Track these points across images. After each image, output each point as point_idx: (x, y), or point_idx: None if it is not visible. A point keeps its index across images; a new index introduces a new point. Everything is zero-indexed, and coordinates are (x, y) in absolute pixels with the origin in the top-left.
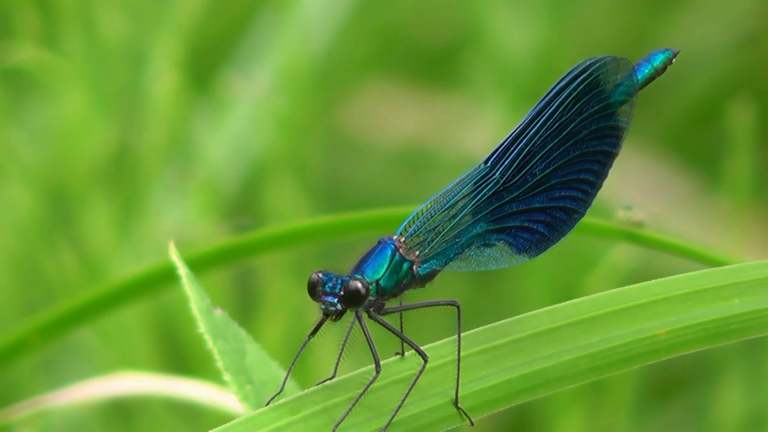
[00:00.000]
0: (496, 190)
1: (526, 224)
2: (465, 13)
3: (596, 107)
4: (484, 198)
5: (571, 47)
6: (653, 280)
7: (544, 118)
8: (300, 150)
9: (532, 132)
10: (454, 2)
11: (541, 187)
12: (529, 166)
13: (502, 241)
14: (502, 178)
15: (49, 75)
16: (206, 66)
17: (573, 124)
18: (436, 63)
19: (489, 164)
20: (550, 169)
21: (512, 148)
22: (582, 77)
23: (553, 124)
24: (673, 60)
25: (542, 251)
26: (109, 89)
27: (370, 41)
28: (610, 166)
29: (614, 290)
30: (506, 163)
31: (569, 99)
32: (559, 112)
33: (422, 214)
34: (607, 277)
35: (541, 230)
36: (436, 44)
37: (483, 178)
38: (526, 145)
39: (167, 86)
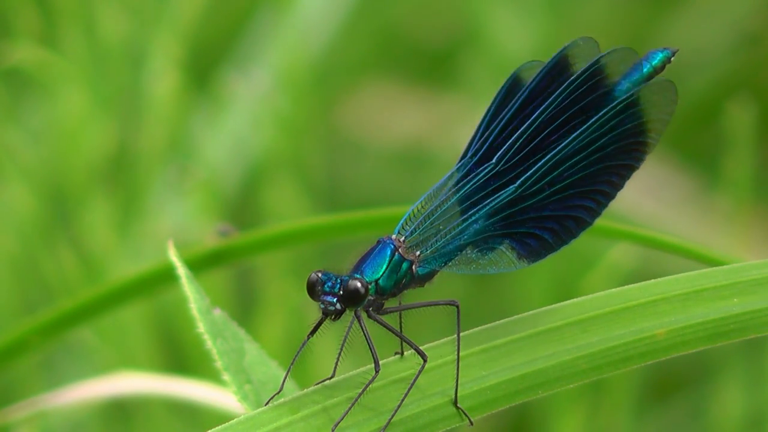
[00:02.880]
0: (512, 199)
1: (533, 231)
2: (464, 13)
3: (630, 124)
4: (497, 205)
5: None
6: (652, 280)
7: (575, 134)
8: (300, 150)
9: (560, 146)
10: (454, 2)
11: (558, 195)
12: (549, 177)
13: (505, 246)
14: (520, 188)
15: (48, 75)
16: (206, 66)
17: (604, 140)
18: (435, 63)
19: (495, 160)
20: (570, 180)
21: (534, 158)
22: (629, 110)
23: (584, 140)
24: (672, 59)
25: (542, 258)
26: (109, 89)
27: (370, 41)
28: (629, 178)
29: (613, 290)
30: (527, 174)
31: (605, 118)
32: (592, 129)
33: (421, 213)
34: (607, 277)
35: (546, 237)
36: (436, 44)
37: (495, 181)
38: (551, 158)
39: (167, 86)
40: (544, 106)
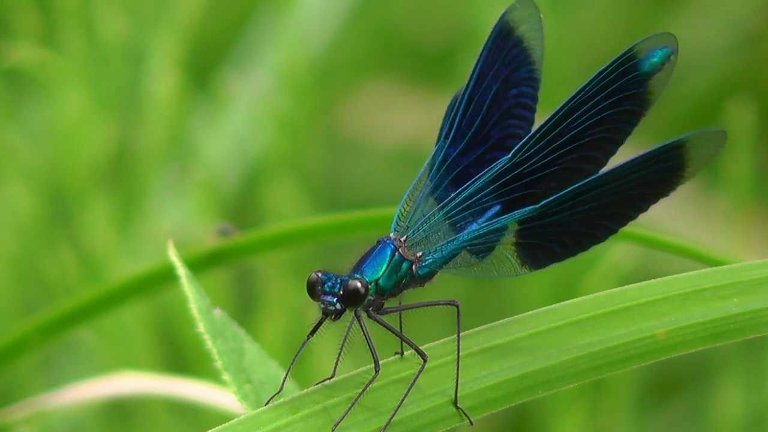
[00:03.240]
0: (532, 216)
1: (544, 243)
2: (464, 13)
3: (671, 163)
4: (512, 219)
5: (570, 46)
6: (652, 280)
7: (616, 175)
8: (299, 150)
9: (590, 178)
10: (454, 2)
11: (579, 216)
12: (573, 202)
13: (510, 253)
14: (543, 209)
15: (48, 75)
16: (205, 66)
17: (644, 172)
18: (435, 63)
19: (511, 154)
20: (596, 203)
21: (552, 146)
22: (670, 152)
23: (627, 177)
24: (671, 57)
25: (544, 267)
26: (109, 89)
27: (370, 41)
28: (655, 203)
29: (613, 290)
30: (555, 198)
31: (645, 158)
32: (630, 167)
33: (421, 212)
34: (607, 277)
35: (555, 249)
36: (436, 44)
37: (508, 172)
38: (584, 185)
39: (166, 86)
40: (568, 98)
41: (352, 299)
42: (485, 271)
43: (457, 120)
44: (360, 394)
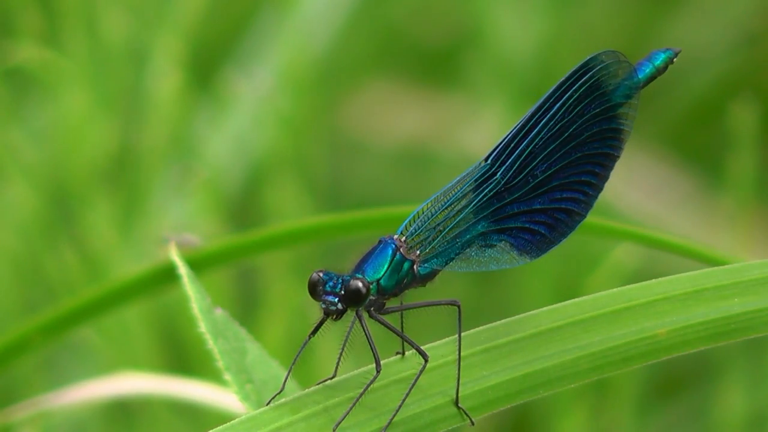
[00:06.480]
0: (497, 190)
1: (527, 225)
2: (466, 12)
3: (598, 109)
4: (485, 198)
5: (572, 46)
6: (654, 280)
7: (545, 120)
8: (302, 149)
9: (533, 133)
10: (455, 2)
11: (542, 188)
12: (530, 167)
13: (503, 242)
14: (503, 179)
15: (50, 74)
16: (208, 65)
17: (574, 126)
18: (437, 63)
19: (489, 161)
20: (552, 170)
21: (513, 149)
22: (584, 79)
23: (555, 126)
24: (674, 59)
25: (543, 252)
26: (111, 88)
27: (372, 41)
28: (612, 168)
29: (615, 290)
30: (507, 163)
31: (571, 101)
32: (561, 114)
33: (423, 212)
34: (608, 277)
35: (543, 231)
36: (437, 44)
37: (484, 177)
38: (527, 146)
39: (169, 85)
40: (545, 120)
41: (353, 299)
42: (486, 264)
43: (499, 148)
44: (361, 394)
